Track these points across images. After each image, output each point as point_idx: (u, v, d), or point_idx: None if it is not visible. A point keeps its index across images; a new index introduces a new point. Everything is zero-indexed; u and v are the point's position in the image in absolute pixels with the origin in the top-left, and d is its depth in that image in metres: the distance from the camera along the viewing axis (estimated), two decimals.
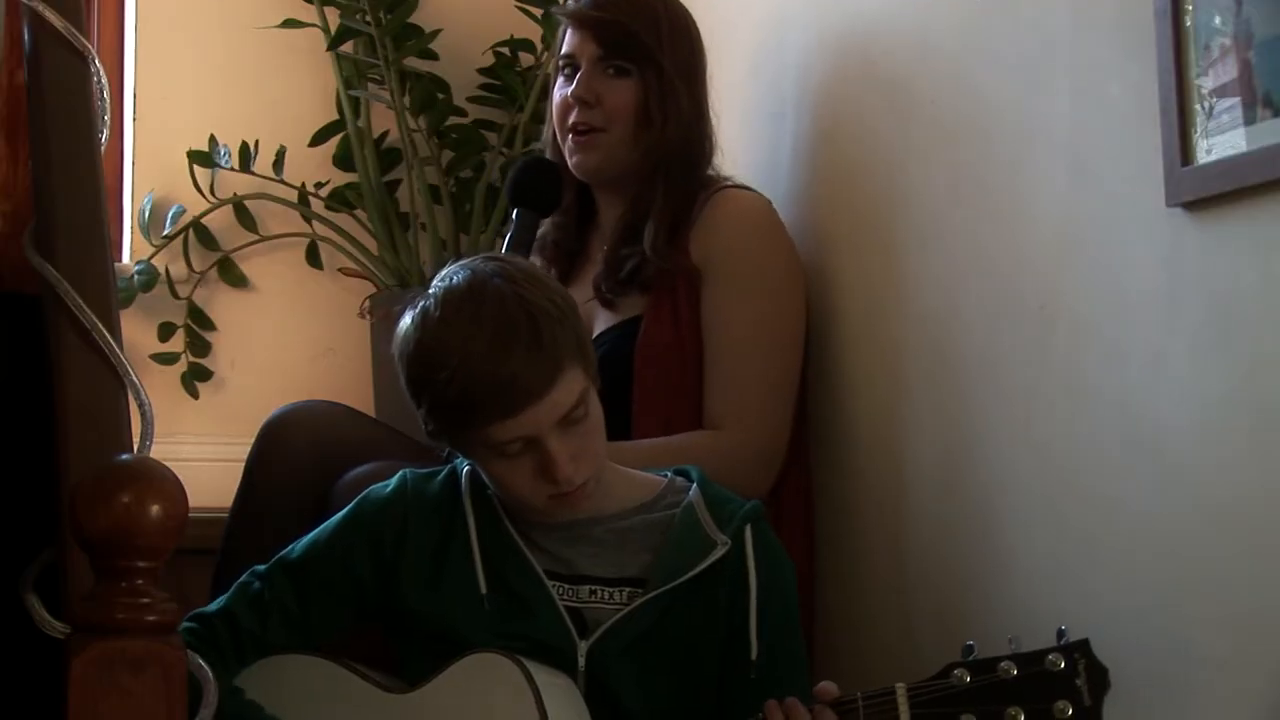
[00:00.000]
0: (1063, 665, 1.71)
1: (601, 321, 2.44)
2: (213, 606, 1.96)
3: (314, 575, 1.95)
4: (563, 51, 2.51)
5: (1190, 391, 1.72)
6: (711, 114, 2.51)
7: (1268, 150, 1.61)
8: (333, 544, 1.97)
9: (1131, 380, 1.81)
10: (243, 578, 1.97)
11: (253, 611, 1.93)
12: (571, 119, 2.47)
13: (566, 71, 2.50)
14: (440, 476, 2.00)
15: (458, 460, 2.01)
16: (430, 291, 1.90)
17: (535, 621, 1.91)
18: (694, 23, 2.53)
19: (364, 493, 2.01)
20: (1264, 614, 1.61)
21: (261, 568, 1.98)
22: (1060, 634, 1.73)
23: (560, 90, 2.50)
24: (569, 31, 2.51)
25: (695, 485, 1.99)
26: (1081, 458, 1.90)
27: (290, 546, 1.99)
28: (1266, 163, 1.61)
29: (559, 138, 2.51)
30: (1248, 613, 1.64)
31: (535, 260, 2.54)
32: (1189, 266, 1.73)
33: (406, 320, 1.90)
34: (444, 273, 1.92)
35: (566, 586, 1.94)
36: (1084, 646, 1.72)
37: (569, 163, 2.50)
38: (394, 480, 2.01)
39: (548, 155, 2.57)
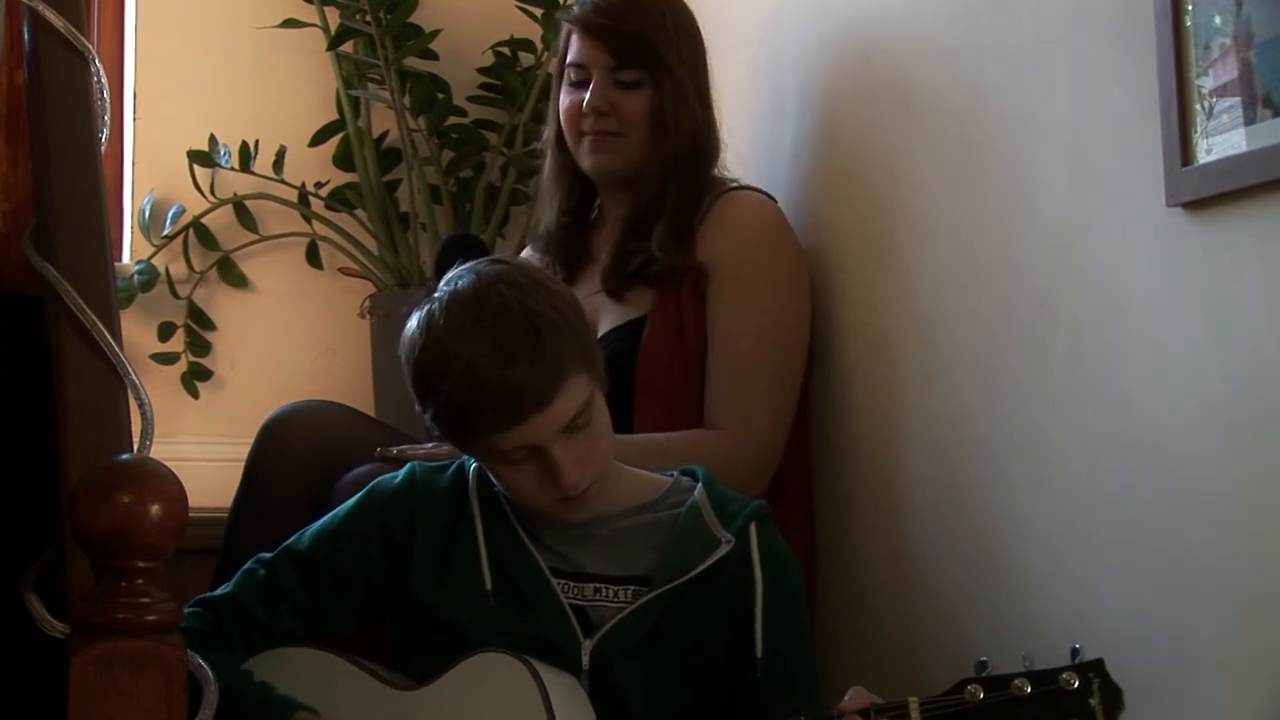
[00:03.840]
0: (1077, 684, 1.69)
1: (607, 320, 2.44)
2: (218, 593, 1.95)
3: (323, 564, 1.95)
4: (571, 59, 2.50)
5: (1190, 391, 1.72)
6: (715, 109, 2.52)
7: (1268, 150, 1.61)
8: (343, 534, 1.97)
9: (1131, 380, 1.81)
10: (247, 565, 1.97)
11: (260, 601, 1.93)
12: (587, 125, 2.47)
13: (576, 79, 2.49)
14: (449, 472, 2.00)
15: (466, 457, 2.01)
16: (435, 295, 1.89)
17: (539, 619, 1.91)
18: (694, 18, 2.53)
19: (372, 483, 2.01)
20: (1264, 614, 1.61)
21: (266, 555, 1.97)
22: (1074, 652, 1.71)
23: (570, 95, 2.50)
24: (577, 38, 2.50)
25: (700, 484, 1.99)
26: (1081, 458, 1.90)
27: (296, 536, 1.98)
28: (1266, 163, 1.61)
29: (570, 139, 2.51)
30: (1248, 613, 1.64)
31: (537, 258, 2.54)
32: (1189, 266, 1.73)
33: (412, 324, 1.89)
34: (449, 275, 1.91)
35: (571, 584, 1.93)
36: (1099, 666, 1.70)
37: (584, 163, 2.50)
38: (403, 472, 2.01)
39: (549, 156, 2.57)
